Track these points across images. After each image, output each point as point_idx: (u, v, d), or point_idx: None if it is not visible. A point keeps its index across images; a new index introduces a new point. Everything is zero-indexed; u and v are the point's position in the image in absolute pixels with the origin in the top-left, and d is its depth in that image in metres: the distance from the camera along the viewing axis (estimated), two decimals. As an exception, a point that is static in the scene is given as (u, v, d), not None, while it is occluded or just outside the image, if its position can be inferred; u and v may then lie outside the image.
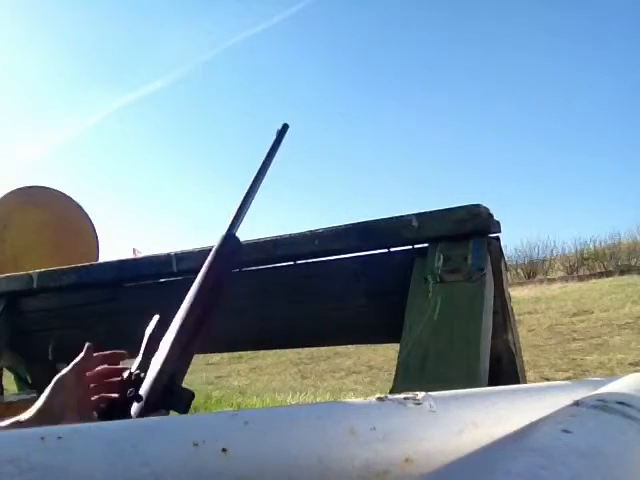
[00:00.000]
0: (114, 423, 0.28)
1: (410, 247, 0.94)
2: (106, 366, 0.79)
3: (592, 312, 7.37)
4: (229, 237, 0.80)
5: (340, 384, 5.74)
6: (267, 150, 0.88)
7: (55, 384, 0.73)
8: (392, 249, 0.97)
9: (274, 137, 0.90)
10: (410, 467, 0.29)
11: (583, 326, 6.78)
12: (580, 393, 0.39)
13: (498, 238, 0.91)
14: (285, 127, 0.93)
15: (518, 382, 1.07)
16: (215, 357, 7.46)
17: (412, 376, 0.78)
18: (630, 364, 4.95)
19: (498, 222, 0.89)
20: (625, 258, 13.20)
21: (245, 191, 0.83)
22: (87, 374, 0.77)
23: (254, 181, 0.84)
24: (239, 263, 0.86)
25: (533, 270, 14.37)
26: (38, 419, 0.68)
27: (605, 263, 13.30)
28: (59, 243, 2.99)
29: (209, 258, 0.76)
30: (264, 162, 0.86)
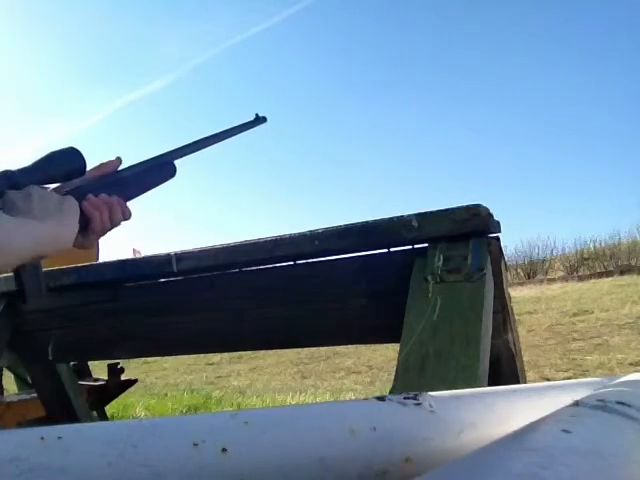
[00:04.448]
0: (114, 423, 0.28)
1: (410, 247, 0.95)
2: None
3: (592, 312, 7.36)
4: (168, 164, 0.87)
5: (340, 384, 5.73)
6: (236, 124, 0.92)
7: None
8: (392, 249, 0.97)
9: (251, 120, 0.94)
10: (410, 467, 0.29)
11: (583, 326, 6.78)
12: (580, 393, 0.39)
13: (498, 238, 0.91)
14: (261, 120, 0.95)
15: (518, 382, 1.07)
16: (215, 357, 7.46)
17: (412, 376, 0.77)
18: (630, 364, 4.95)
19: (498, 222, 0.89)
20: (625, 258, 13.19)
21: (197, 139, 0.89)
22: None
23: (208, 137, 0.89)
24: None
25: (533, 270, 14.36)
26: None
27: (605, 263, 13.30)
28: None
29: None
30: (227, 131, 0.90)
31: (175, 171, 0.87)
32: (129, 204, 0.82)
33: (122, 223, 0.80)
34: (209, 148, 0.92)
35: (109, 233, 0.79)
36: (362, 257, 1.00)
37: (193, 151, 0.90)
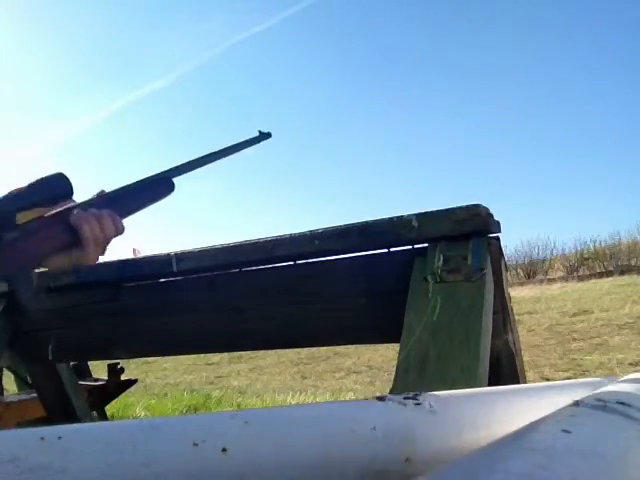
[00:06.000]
0: (114, 423, 0.28)
1: (410, 247, 0.94)
2: None
3: (592, 312, 7.36)
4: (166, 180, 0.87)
5: (340, 384, 5.73)
6: (239, 141, 0.90)
7: None
8: (392, 249, 0.97)
9: (253, 136, 0.93)
10: (410, 467, 0.29)
11: (583, 326, 6.78)
12: (580, 393, 0.39)
13: (498, 238, 0.91)
14: (265, 135, 0.94)
15: (518, 382, 1.07)
16: (215, 357, 7.47)
17: (412, 376, 0.77)
18: (630, 364, 4.95)
19: (498, 222, 0.89)
20: (625, 258, 13.21)
21: (199, 155, 0.88)
22: None
23: (210, 154, 0.88)
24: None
25: (533, 270, 14.38)
26: None
27: (605, 263, 13.31)
28: (59, 243, 2.99)
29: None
30: (228, 148, 0.89)
31: (173, 187, 0.87)
32: (126, 221, 0.83)
33: (115, 237, 0.82)
34: (208, 165, 0.91)
35: (108, 246, 0.81)
36: (362, 257, 1.00)
37: (192, 169, 0.89)
